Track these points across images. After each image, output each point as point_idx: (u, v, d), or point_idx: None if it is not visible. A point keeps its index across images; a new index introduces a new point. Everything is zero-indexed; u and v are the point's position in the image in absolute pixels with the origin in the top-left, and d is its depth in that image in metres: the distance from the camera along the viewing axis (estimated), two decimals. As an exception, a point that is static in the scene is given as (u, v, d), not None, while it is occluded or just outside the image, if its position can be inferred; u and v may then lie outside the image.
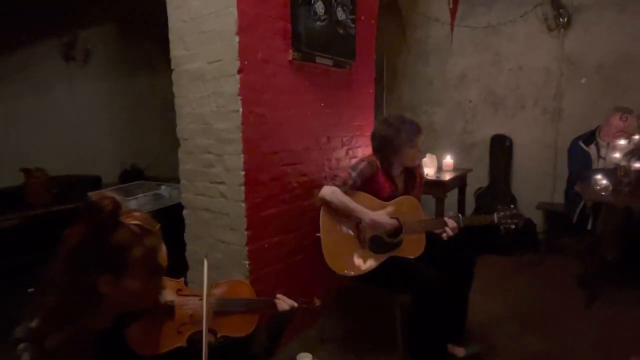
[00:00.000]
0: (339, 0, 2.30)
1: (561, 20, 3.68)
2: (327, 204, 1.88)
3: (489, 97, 4.14)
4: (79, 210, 0.86)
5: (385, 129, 1.98)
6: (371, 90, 2.90)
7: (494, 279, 3.06)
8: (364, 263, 1.88)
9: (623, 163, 2.69)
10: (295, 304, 1.28)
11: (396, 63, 4.59)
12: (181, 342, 1.05)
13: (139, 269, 0.88)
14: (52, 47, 4.11)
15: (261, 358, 1.19)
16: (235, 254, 2.01)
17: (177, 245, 2.05)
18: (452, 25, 4.01)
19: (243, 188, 1.93)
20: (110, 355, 0.91)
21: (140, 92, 4.68)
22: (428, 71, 4.46)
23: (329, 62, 2.37)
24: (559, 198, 3.66)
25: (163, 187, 3.32)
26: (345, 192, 1.86)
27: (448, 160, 3.22)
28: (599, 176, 2.67)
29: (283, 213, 2.18)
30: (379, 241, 1.91)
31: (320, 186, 2.31)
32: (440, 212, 2.81)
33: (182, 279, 1.21)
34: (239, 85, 1.85)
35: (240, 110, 1.87)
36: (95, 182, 3.75)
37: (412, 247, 1.92)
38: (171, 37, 2.12)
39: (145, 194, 3.25)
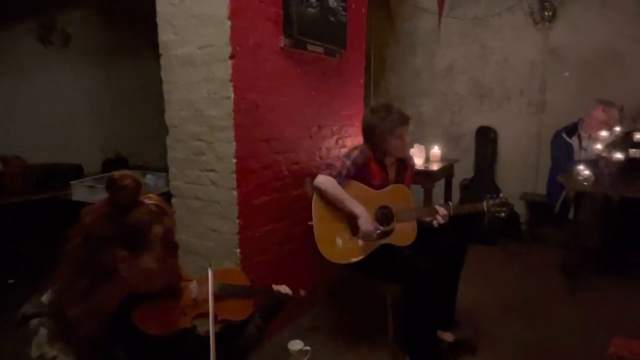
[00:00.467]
0: (331, -13, 2.28)
1: (546, 13, 3.74)
2: (321, 192, 1.88)
3: (476, 89, 4.19)
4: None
5: (371, 117, 1.98)
6: (361, 80, 2.90)
7: (480, 267, 3.12)
8: (356, 251, 1.89)
9: (604, 154, 2.77)
10: (286, 289, 1.33)
11: (384, 54, 4.59)
12: (187, 324, 1.07)
13: (157, 247, 0.90)
14: (28, 29, 3.94)
15: (255, 337, 1.23)
16: (227, 243, 1.99)
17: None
18: (440, 16, 4.02)
19: (234, 176, 1.91)
20: (121, 335, 0.92)
21: (123, 79, 4.55)
22: (416, 63, 4.48)
23: (320, 50, 2.35)
24: (542, 189, 3.75)
25: (148, 176, 3.26)
26: (340, 184, 1.86)
27: (436, 150, 3.25)
28: (581, 167, 2.73)
29: (274, 201, 2.17)
30: (371, 229, 1.92)
31: (310, 175, 2.31)
32: (428, 202, 2.84)
33: (181, 265, 1.21)
34: (230, 71, 1.82)
35: (232, 96, 1.84)
36: (76, 171, 3.65)
37: (403, 236, 1.94)
38: (159, 21, 2.06)
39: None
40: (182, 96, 2.05)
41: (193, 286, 1.11)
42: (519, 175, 4.04)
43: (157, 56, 2.10)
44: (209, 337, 1.14)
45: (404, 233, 1.94)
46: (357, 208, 1.83)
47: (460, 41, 4.18)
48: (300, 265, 2.34)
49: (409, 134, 1.98)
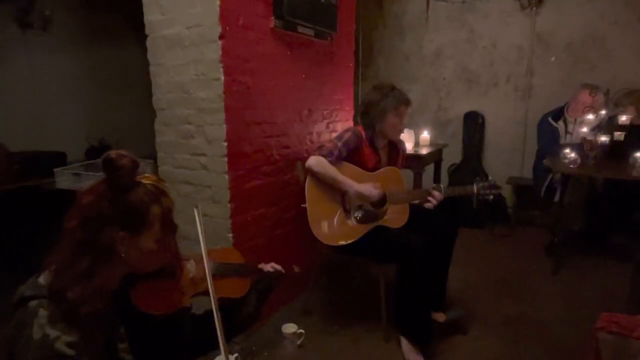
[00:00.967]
0: (321, -33, 2.24)
1: (533, -2, 3.75)
2: (313, 173, 1.87)
3: (463, 74, 4.20)
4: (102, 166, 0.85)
5: (373, 93, 1.98)
6: (351, 64, 2.88)
7: (468, 249, 3.17)
8: (350, 233, 1.90)
9: (590, 137, 2.82)
10: (279, 267, 1.35)
11: (372, 38, 4.56)
12: (186, 303, 1.07)
13: (156, 228, 0.89)
14: (5, 12, 3.78)
15: (251, 315, 1.24)
16: (219, 227, 1.98)
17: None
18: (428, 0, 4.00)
19: (226, 159, 1.88)
20: (121, 313, 0.92)
21: (106, 64, 4.42)
22: (404, 47, 4.46)
23: (311, 32, 2.32)
24: (528, 173, 3.80)
25: (136, 163, 3.19)
26: (331, 163, 1.85)
27: (425, 135, 3.27)
28: (567, 150, 2.78)
29: (265, 186, 2.15)
30: (364, 211, 1.92)
31: (301, 159, 2.30)
32: (418, 186, 2.86)
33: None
34: (220, 52, 1.78)
35: (222, 78, 1.81)
36: (60, 159, 3.55)
37: (396, 218, 1.95)
38: (145, 0, 2.00)
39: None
40: (169, 78, 2.01)
41: (190, 265, 1.12)
42: (506, 160, 4.10)
43: (141, 40, 2.04)
44: (204, 317, 1.16)
45: (396, 215, 1.95)
46: (351, 186, 1.83)
47: (448, 25, 4.17)
48: (292, 249, 2.34)
49: (407, 117, 1.98)
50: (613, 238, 3.12)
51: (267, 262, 1.37)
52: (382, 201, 1.93)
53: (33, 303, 0.80)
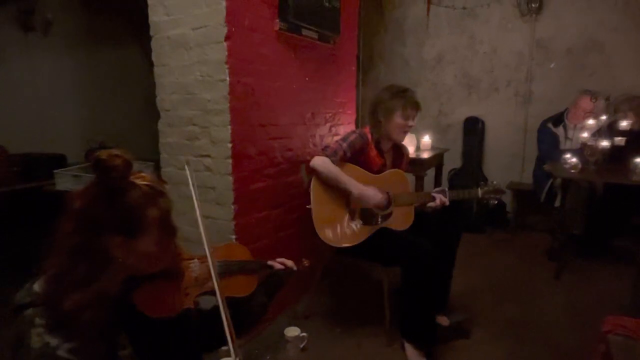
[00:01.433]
0: (326, -29, 2.25)
1: (533, 5, 3.79)
2: (317, 174, 1.86)
3: (464, 79, 4.23)
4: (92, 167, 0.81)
5: (383, 92, 1.98)
6: (353, 68, 2.89)
7: (469, 254, 3.17)
8: (354, 235, 1.89)
9: (590, 142, 2.83)
10: (290, 263, 1.33)
11: (373, 43, 4.58)
12: (189, 304, 1.05)
13: (154, 231, 0.85)
14: (6, 14, 3.78)
15: (258, 314, 1.21)
16: (222, 229, 1.97)
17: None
18: (429, 5, 4.03)
19: (230, 161, 1.88)
20: (121, 318, 0.88)
21: (106, 66, 4.41)
22: (405, 52, 4.48)
23: (315, 35, 2.33)
24: (528, 178, 3.82)
25: (135, 164, 3.18)
26: (336, 163, 1.85)
27: (426, 139, 3.27)
28: (567, 155, 2.80)
29: (269, 188, 2.14)
30: (369, 213, 1.92)
31: (305, 162, 2.30)
32: (420, 190, 2.85)
33: (180, 243, 1.18)
34: (226, 53, 1.78)
35: (228, 79, 1.80)
36: (60, 161, 3.54)
37: (401, 220, 1.95)
38: (150, 1, 2.00)
39: (117, 172, 3.10)
40: (174, 79, 2.00)
41: (194, 265, 1.10)
42: (506, 165, 4.11)
43: (142, 43, 2.03)
44: (211, 314, 1.13)
45: (401, 217, 1.95)
46: (355, 187, 1.83)
47: (449, 31, 4.20)
48: (296, 251, 2.32)
49: (415, 121, 1.98)
50: (614, 242, 3.13)
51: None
52: (386, 203, 1.93)
53: (29, 312, 0.77)
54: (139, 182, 0.84)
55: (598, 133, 2.90)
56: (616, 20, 3.54)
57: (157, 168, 2.47)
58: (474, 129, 4.18)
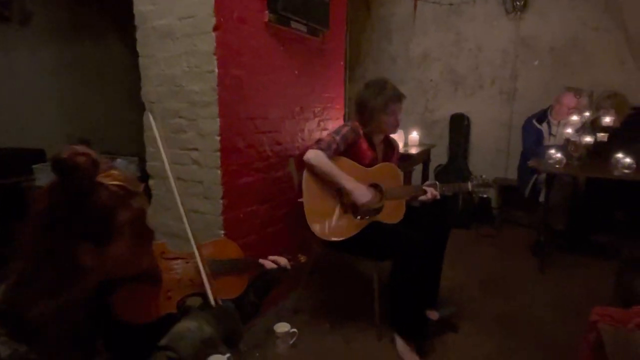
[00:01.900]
0: (315, -37, 2.23)
1: (518, 3, 3.83)
2: (310, 167, 1.84)
3: (450, 76, 4.26)
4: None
5: (364, 93, 1.98)
6: (341, 62, 2.87)
7: (455, 249, 3.15)
8: (346, 228, 1.88)
9: (573, 138, 2.88)
10: (284, 262, 1.25)
11: (360, 40, 4.57)
12: (172, 309, 0.96)
13: (125, 235, 0.77)
14: (-19, 4, 3.63)
15: (248, 315, 1.14)
16: (210, 224, 1.93)
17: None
18: (416, 1, 4.04)
19: (219, 154, 1.84)
20: (95, 326, 0.81)
21: (87, 59, 4.29)
22: (391, 49, 4.49)
23: (304, 29, 2.30)
24: (512, 174, 3.87)
25: (119, 160, 3.10)
26: (329, 157, 1.84)
27: (414, 135, 3.29)
28: (552, 151, 2.84)
29: (258, 182, 2.12)
30: (361, 207, 1.91)
31: (293, 156, 2.27)
32: (408, 184, 2.87)
33: (164, 241, 1.12)
34: (215, 44, 1.74)
35: (217, 71, 1.77)
36: (39, 156, 3.42)
37: (392, 213, 1.95)
38: (135, -10, 1.95)
39: (100, 167, 3.02)
40: (160, 71, 1.95)
41: (178, 266, 1.02)
42: (491, 161, 4.17)
43: (123, 36, 1.98)
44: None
45: (392, 210, 1.95)
46: (349, 182, 1.82)
47: (435, 28, 4.23)
48: (285, 247, 2.30)
49: (401, 112, 1.98)
50: (596, 237, 3.20)
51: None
52: (376, 201, 1.92)
53: None
54: (107, 181, 0.75)
55: (582, 129, 2.95)
56: (597, 20, 3.61)
57: (142, 162, 2.41)
58: (459, 125, 4.22)
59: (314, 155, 1.82)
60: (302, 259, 1.35)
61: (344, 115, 2.98)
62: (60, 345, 0.71)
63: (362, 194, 1.83)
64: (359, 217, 1.91)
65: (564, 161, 2.75)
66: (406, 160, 2.90)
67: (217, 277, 1.07)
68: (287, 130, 2.31)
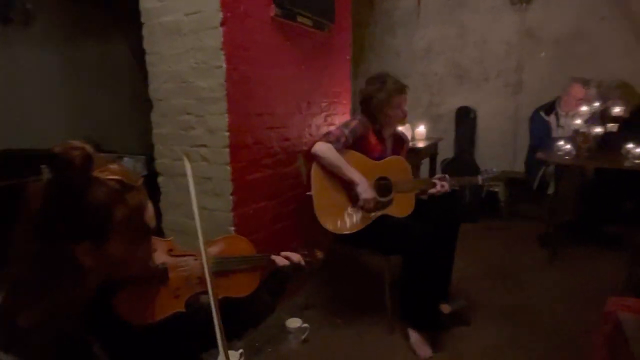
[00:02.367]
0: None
1: (522, -6, 3.80)
2: (319, 160, 1.84)
3: (454, 69, 4.23)
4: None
5: (367, 87, 1.98)
6: (347, 57, 2.86)
7: (462, 243, 3.13)
8: (355, 221, 1.88)
9: (583, 129, 2.86)
10: (297, 258, 1.21)
11: (363, 34, 4.55)
12: (179, 307, 0.94)
13: (123, 232, 0.74)
14: (-16, 6, 3.63)
15: (263, 314, 1.11)
16: (220, 221, 1.92)
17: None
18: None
19: (228, 150, 1.83)
20: (97, 330, 0.77)
21: (91, 59, 4.29)
22: (395, 43, 4.47)
23: (309, 23, 2.29)
24: (519, 167, 3.84)
25: (126, 159, 3.10)
26: (338, 150, 1.83)
27: (421, 129, 3.28)
28: (561, 142, 2.82)
29: (266, 178, 2.11)
30: (370, 199, 1.90)
31: (301, 152, 2.27)
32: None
33: (172, 238, 1.09)
34: (222, 39, 1.73)
35: (224, 66, 1.76)
36: (45, 157, 3.44)
37: (401, 207, 1.94)
38: (141, -13, 1.93)
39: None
40: (167, 67, 1.95)
41: (186, 263, 1.00)
42: (497, 154, 4.13)
43: (126, 34, 1.97)
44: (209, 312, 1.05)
45: (402, 204, 1.94)
46: (356, 175, 1.81)
47: (439, 21, 4.20)
48: (293, 244, 2.29)
49: (406, 103, 1.96)
50: (605, 228, 3.17)
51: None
52: (387, 190, 1.91)
53: None
54: (104, 176, 0.72)
55: (591, 120, 2.93)
56: (604, 9, 3.57)
57: (150, 161, 2.41)
58: (466, 118, 4.19)
59: (322, 148, 1.81)
60: (319, 254, 1.30)
61: (351, 110, 2.97)
62: (48, 352, 0.68)
63: (365, 189, 1.82)
64: (367, 211, 1.90)
65: (574, 152, 2.72)
66: (414, 154, 2.89)
67: (227, 274, 1.06)
68: (294, 125, 2.30)
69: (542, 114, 3.38)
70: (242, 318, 1.08)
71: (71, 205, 0.70)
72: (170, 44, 1.90)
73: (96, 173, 0.72)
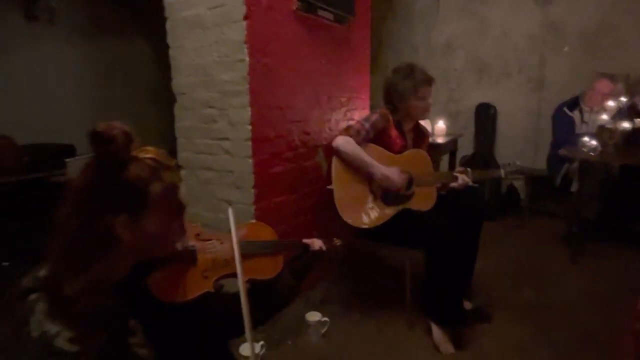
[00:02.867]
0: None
1: (545, -13, 3.72)
2: (339, 154, 1.83)
3: (474, 65, 4.17)
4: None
5: (393, 77, 1.95)
6: (367, 52, 2.84)
7: (484, 240, 3.09)
8: (376, 215, 1.86)
9: (609, 125, 2.78)
10: (319, 244, 1.26)
11: (381, 29, 4.51)
12: (208, 287, 0.99)
13: (159, 207, 0.78)
14: (10, 3, 3.72)
15: (287, 297, 1.16)
16: (241, 214, 1.93)
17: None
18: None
19: (250, 143, 1.84)
20: (133, 305, 0.82)
21: (112, 56, 4.36)
22: (413, 38, 4.42)
23: (330, 16, 2.28)
24: (541, 164, 3.77)
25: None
26: (358, 143, 1.81)
27: (441, 125, 3.24)
28: (586, 138, 2.75)
29: (287, 172, 2.11)
30: (392, 193, 1.88)
31: (321, 146, 2.26)
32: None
33: (199, 223, 1.14)
34: (245, 32, 1.74)
35: (247, 59, 1.76)
36: (69, 151, 3.51)
37: (423, 200, 1.92)
38: (164, -19, 1.95)
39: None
40: (190, 61, 1.96)
41: (212, 246, 1.04)
42: (518, 151, 4.06)
43: (146, 31, 1.99)
44: (236, 297, 1.06)
45: (423, 198, 1.91)
46: (378, 169, 1.79)
47: (458, 16, 4.14)
48: (317, 231, 2.30)
49: (431, 96, 1.94)
50: (630, 226, 3.09)
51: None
52: (408, 183, 1.89)
53: (32, 297, 0.73)
54: (142, 155, 0.78)
55: (618, 115, 2.85)
56: (628, 2, 3.47)
57: (172, 155, 2.43)
58: (486, 115, 4.13)
59: (343, 142, 1.80)
60: (337, 242, 1.35)
61: (370, 106, 2.95)
62: (88, 324, 0.72)
63: (395, 177, 1.80)
64: (389, 205, 1.89)
65: (599, 149, 2.66)
66: (433, 149, 2.85)
67: (252, 257, 1.10)
68: (314, 119, 2.29)
69: (566, 109, 3.31)
70: (267, 301, 1.12)
71: (112, 180, 0.74)
72: (193, 37, 1.91)
73: (134, 153, 0.77)
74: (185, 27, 1.93)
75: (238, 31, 1.76)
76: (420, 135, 2.10)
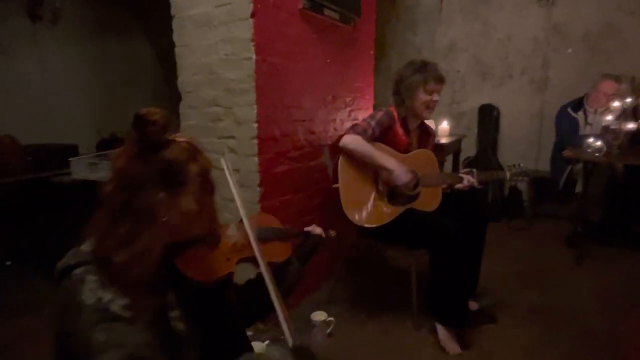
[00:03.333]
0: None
1: (549, -10, 3.72)
2: (348, 152, 1.82)
3: (477, 67, 4.17)
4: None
5: (404, 69, 1.94)
6: (371, 52, 2.84)
7: (488, 242, 3.08)
8: (382, 215, 1.85)
9: (614, 126, 2.77)
10: (319, 230, 1.34)
11: (384, 31, 4.51)
12: (232, 269, 1.04)
13: (195, 187, 0.85)
14: (15, 4, 3.73)
15: (295, 278, 1.23)
16: (247, 212, 1.90)
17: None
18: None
19: (256, 142, 1.84)
20: (169, 281, 0.88)
21: (116, 57, 4.37)
22: (416, 40, 4.43)
23: (336, 16, 2.28)
24: (544, 166, 3.77)
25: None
26: (366, 141, 1.81)
27: (444, 125, 3.23)
28: (591, 139, 2.74)
29: (292, 171, 2.11)
30: (397, 193, 1.88)
31: (327, 146, 2.25)
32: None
33: None
34: (252, 30, 1.74)
35: (254, 57, 1.76)
36: (72, 152, 3.50)
37: (428, 200, 1.91)
38: (170, -20, 1.96)
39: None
40: (196, 59, 1.96)
41: (231, 231, 1.09)
42: (521, 153, 4.05)
43: (148, 32, 1.99)
44: (247, 287, 1.19)
45: (429, 198, 1.91)
46: (390, 162, 1.78)
47: (462, 18, 4.14)
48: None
49: (439, 94, 1.93)
50: (636, 227, 3.08)
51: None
52: (414, 184, 1.88)
53: (78, 270, 0.77)
54: (178, 139, 0.86)
55: (623, 116, 2.84)
56: (633, 4, 3.47)
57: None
58: (489, 116, 4.12)
59: (352, 140, 1.79)
60: (332, 233, 1.42)
61: (374, 106, 2.95)
62: (140, 292, 0.77)
63: (402, 172, 1.79)
64: (394, 204, 1.88)
65: (604, 149, 2.65)
66: (437, 150, 2.84)
67: (265, 242, 1.16)
68: (320, 119, 2.29)
69: (570, 110, 3.30)
70: (279, 284, 1.16)
71: (152, 159, 0.81)
72: (199, 35, 1.91)
73: (171, 137, 0.85)
74: (191, 26, 1.93)
75: (245, 29, 1.75)
76: (426, 134, 2.09)
